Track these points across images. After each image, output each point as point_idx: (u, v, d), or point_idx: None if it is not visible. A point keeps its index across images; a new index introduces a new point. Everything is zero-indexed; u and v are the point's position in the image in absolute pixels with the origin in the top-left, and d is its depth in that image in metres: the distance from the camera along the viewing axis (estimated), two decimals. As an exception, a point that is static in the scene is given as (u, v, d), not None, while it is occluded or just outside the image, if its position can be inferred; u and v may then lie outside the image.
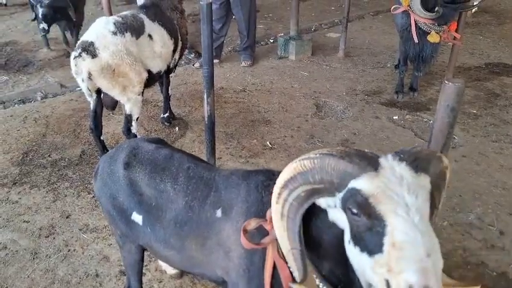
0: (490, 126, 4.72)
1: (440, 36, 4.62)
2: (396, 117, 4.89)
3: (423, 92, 5.49)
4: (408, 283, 1.01)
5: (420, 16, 4.52)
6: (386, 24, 8.17)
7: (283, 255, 1.37)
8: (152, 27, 3.81)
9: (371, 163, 1.15)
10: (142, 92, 3.74)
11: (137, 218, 1.89)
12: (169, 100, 4.60)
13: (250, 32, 6.24)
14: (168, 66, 4.16)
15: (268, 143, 4.35)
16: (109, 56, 3.35)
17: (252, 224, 1.42)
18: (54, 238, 3.12)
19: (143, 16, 3.80)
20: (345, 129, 4.64)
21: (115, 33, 3.46)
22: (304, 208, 1.25)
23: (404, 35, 4.95)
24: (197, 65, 6.15)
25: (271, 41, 7.46)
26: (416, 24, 4.64)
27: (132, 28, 3.61)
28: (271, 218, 1.37)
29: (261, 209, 1.54)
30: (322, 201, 1.26)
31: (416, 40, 4.71)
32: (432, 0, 4.43)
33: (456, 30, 4.67)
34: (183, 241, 1.76)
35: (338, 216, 1.24)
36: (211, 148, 3.34)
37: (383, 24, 8.33)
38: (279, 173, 1.65)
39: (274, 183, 1.50)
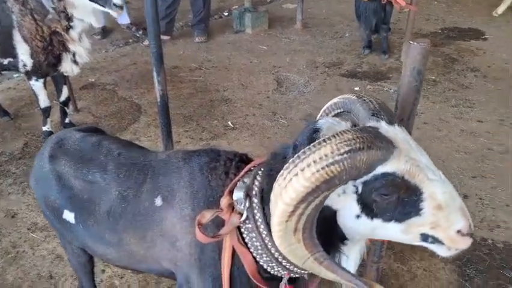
0: (449, 91, 4.76)
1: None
2: (358, 89, 4.85)
3: (382, 62, 5.47)
4: (456, 230, 1.15)
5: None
6: (342, -7, 8.10)
7: (244, 242, 1.34)
8: None
9: (388, 141, 1.13)
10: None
11: (68, 216, 1.75)
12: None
13: (206, 3, 5.97)
14: None
15: (229, 123, 4.21)
16: None
17: (207, 215, 1.31)
18: (0, 240, 2.91)
19: None
20: (308, 104, 4.55)
21: None
22: (319, 211, 1.15)
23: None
24: (146, 42, 5.85)
25: (226, 14, 7.24)
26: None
27: None
28: (228, 206, 1.33)
29: (210, 194, 1.45)
30: None
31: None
32: None
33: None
34: (120, 235, 1.63)
35: (336, 200, 1.19)
36: (167, 131, 3.16)
37: (338, -7, 8.25)
38: (224, 152, 1.55)
39: (222, 164, 1.49)
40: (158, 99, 3.00)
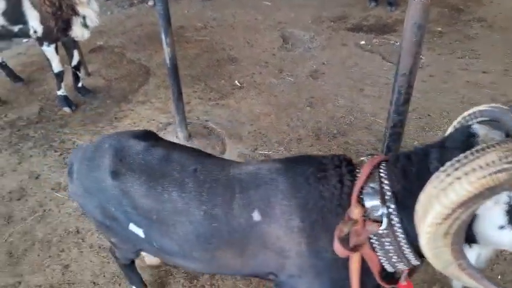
0: (455, 42, 4.73)
1: None
2: (364, 42, 4.82)
3: (389, 13, 5.39)
4: None
5: None
6: None
7: (373, 248, 1.32)
8: None
9: None
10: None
11: (136, 229, 1.63)
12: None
13: None
14: None
15: (236, 82, 4.23)
16: None
17: (345, 229, 1.27)
18: (26, 200, 3.03)
19: None
20: (314, 60, 4.55)
21: None
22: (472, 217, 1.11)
23: None
24: (151, 3, 5.80)
25: (229, -30, 7.02)
26: None
27: None
28: (361, 216, 1.28)
29: (323, 204, 1.37)
30: None
31: None
32: None
33: None
34: (213, 253, 1.54)
35: (482, 206, 1.13)
36: (178, 93, 3.23)
37: None
38: (328, 160, 1.45)
39: (332, 174, 1.39)
40: (168, 62, 3.04)
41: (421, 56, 4.25)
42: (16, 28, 3.48)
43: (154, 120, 3.76)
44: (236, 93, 4.08)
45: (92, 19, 3.58)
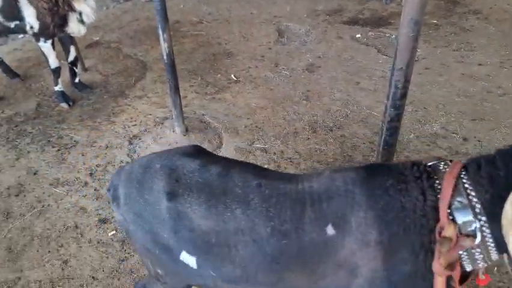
0: (451, 35, 4.75)
1: None
2: (359, 36, 4.84)
3: (384, 6, 5.39)
4: None
5: None
6: None
7: (461, 259, 1.30)
8: None
9: None
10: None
11: (187, 259, 1.51)
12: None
13: None
14: None
15: (233, 76, 4.25)
16: None
17: (443, 250, 1.25)
18: (25, 196, 3.05)
19: None
20: (310, 54, 4.56)
21: None
22: None
23: None
24: (146, -3, 5.79)
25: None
26: None
27: None
28: (456, 235, 1.25)
29: (406, 215, 1.31)
30: None
31: None
32: None
33: None
34: (281, 274, 1.44)
35: None
36: (175, 88, 3.24)
37: None
38: (408, 170, 1.37)
39: (413, 186, 1.33)
40: (165, 57, 3.04)
41: (417, 49, 4.29)
42: (13, 24, 3.47)
43: (151, 114, 3.76)
44: (232, 87, 4.09)
45: (89, 15, 3.58)
